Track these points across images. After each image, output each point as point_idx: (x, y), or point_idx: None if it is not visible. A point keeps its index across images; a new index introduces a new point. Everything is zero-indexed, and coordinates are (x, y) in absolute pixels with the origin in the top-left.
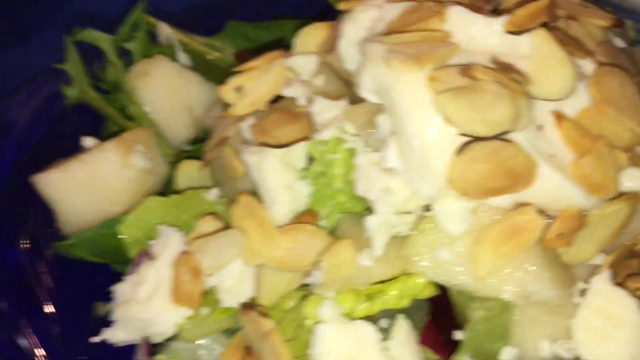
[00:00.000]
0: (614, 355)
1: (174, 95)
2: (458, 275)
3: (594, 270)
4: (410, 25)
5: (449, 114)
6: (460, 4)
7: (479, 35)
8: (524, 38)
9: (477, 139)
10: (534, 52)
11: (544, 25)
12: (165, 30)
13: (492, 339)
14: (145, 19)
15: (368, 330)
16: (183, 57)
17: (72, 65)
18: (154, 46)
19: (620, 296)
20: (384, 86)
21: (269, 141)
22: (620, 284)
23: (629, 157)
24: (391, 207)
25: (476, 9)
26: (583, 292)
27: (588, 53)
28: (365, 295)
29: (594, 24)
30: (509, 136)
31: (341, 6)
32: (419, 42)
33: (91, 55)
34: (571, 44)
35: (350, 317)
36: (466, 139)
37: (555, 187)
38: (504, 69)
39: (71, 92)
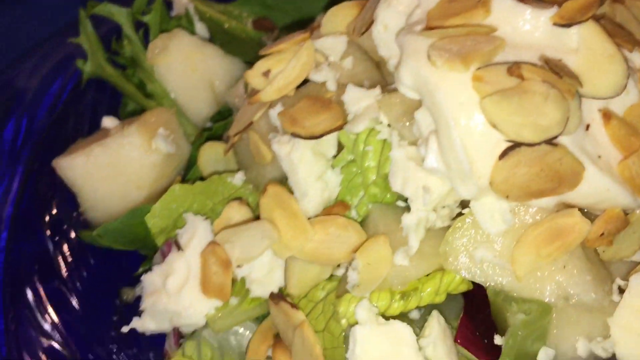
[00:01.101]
0: None
1: (194, 71)
2: (496, 276)
3: (633, 266)
4: (452, 15)
5: (495, 119)
6: None
7: (526, 28)
8: (573, 31)
9: (522, 144)
10: (583, 46)
11: (594, 17)
12: None
13: (531, 342)
14: None
15: (405, 331)
16: (200, 27)
17: (87, 39)
18: (170, 18)
19: None
20: (425, 84)
21: (300, 132)
22: None
23: None
24: (429, 205)
25: None
26: (621, 290)
27: (637, 44)
28: (399, 292)
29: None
30: (557, 139)
31: None
32: (462, 37)
33: (106, 25)
34: (620, 35)
35: (384, 315)
36: (511, 143)
37: (601, 189)
38: (553, 66)
39: (87, 67)
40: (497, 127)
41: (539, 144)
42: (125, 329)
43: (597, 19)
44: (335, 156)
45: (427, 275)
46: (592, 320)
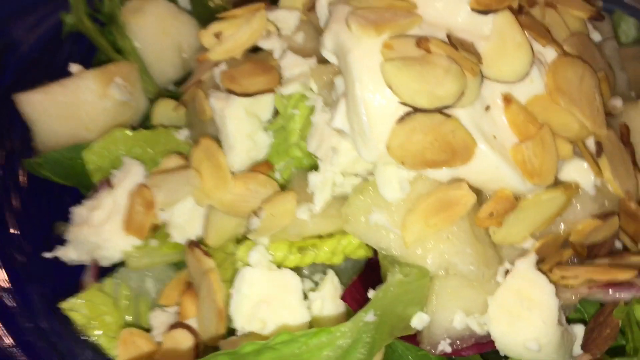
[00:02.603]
0: (520, 336)
1: (164, 35)
2: (386, 240)
3: (522, 253)
4: None
5: (393, 81)
6: None
7: (446, 10)
8: (489, 18)
9: (419, 110)
10: (496, 33)
11: (513, 8)
12: None
13: (406, 303)
14: None
15: (292, 279)
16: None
17: None
18: None
19: (540, 281)
20: (341, 47)
21: (235, 89)
22: (549, 270)
23: (574, 148)
24: (336, 166)
25: None
26: (507, 273)
27: (552, 42)
28: (297, 247)
29: (572, 14)
30: (452, 112)
31: None
32: (383, 9)
33: None
34: (537, 30)
35: (280, 266)
36: (409, 109)
37: (492, 167)
38: (460, 45)
39: (69, 19)
40: (392, 88)
41: (431, 111)
42: (47, 255)
43: (518, 12)
44: (270, 121)
45: (329, 236)
46: (473, 296)
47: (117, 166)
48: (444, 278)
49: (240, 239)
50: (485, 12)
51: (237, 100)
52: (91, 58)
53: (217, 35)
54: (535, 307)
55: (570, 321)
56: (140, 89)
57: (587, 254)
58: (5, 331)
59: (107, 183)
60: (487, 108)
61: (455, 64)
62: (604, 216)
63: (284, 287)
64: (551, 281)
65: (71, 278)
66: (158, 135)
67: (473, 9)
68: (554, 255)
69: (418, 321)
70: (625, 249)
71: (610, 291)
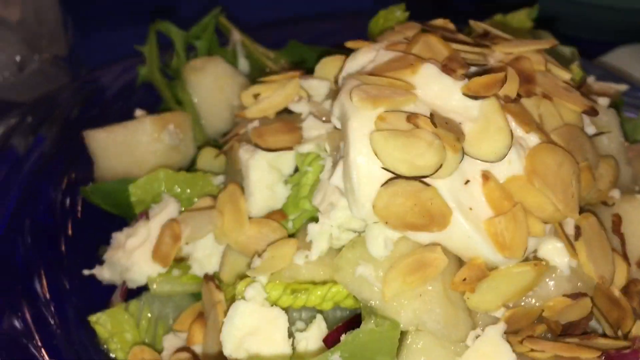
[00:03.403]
0: None
1: (220, 92)
2: (368, 292)
3: (495, 321)
4: (388, 71)
5: (378, 148)
6: (437, 62)
7: (441, 92)
8: (477, 103)
9: (399, 176)
10: (482, 116)
11: (508, 96)
12: (235, 36)
13: (375, 352)
14: (213, 24)
15: (280, 317)
16: (243, 63)
17: (149, 49)
18: (219, 47)
19: (503, 349)
20: (344, 115)
21: (260, 144)
22: (520, 342)
23: (550, 228)
24: (333, 220)
25: (448, 70)
26: (477, 337)
27: (536, 129)
28: (292, 289)
29: (566, 107)
30: (432, 181)
31: (348, 44)
32: (385, 86)
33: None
34: (522, 118)
35: (273, 304)
36: (392, 174)
37: (465, 236)
38: (444, 124)
39: (143, 71)
40: (377, 155)
41: (410, 178)
42: (86, 272)
43: (512, 100)
44: (290, 176)
45: (323, 283)
46: (443, 355)
47: (157, 201)
48: (417, 334)
49: (243, 276)
50: (474, 97)
51: (261, 153)
52: (157, 106)
53: (255, 96)
54: None
55: None
56: (190, 137)
57: (562, 332)
58: (38, 335)
59: (146, 215)
60: (467, 182)
61: (438, 140)
62: (575, 296)
63: (271, 323)
64: (516, 351)
65: (104, 296)
66: (196, 178)
67: (464, 94)
68: (528, 329)
69: None
70: (604, 335)
71: None
